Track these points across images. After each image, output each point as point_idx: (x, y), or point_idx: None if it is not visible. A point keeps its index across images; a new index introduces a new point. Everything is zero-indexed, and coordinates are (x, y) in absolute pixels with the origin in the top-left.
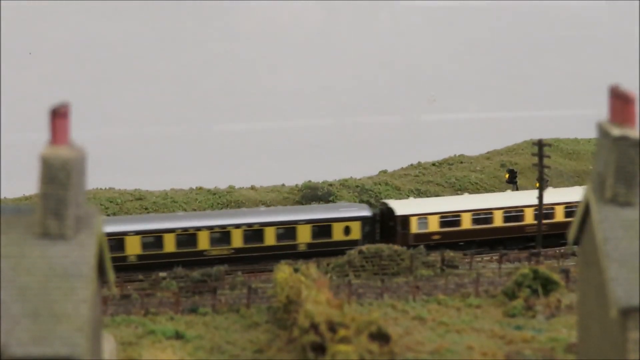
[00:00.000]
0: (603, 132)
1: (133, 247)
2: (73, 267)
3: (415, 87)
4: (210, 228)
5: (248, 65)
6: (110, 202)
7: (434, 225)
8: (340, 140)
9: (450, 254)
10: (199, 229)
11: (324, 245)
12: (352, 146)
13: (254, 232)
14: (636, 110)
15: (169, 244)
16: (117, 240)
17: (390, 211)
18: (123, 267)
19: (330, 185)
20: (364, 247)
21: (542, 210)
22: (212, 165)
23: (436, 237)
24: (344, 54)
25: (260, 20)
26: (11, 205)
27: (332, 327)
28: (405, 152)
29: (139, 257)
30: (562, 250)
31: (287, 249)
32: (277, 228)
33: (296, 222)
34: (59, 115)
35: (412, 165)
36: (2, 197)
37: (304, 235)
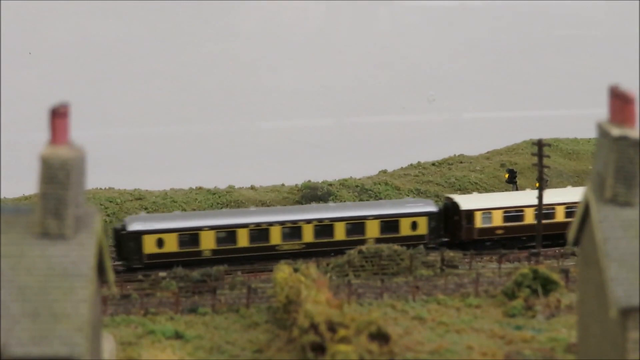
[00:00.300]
0: (603, 132)
1: (208, 242)
2: (73, 266)
3: (415, 87)
4: (282, 223)
5: (248, 65)
6: (110, 202)
7: (497, 220)
8: (340, 140)
9: (450, 253)
10: (271, 224)
11: (391, 240)
12: (351, 146)
13: (324, 227)
14: (636, 110)
15: (243, 239)
16: (192, 235)
17: (455, 206)
18: (198, 261)
19: (330, 185)
20: (363, 247)
21: (542, 210)
22: (211, 165)
23: (500, 231)
24: (344, 54)
25: (260, 20)
26: (11, 205)
27: (332, 327)
28: (405, 152)
29: (213, 251)
30: (561, 250)
31: (356, 243)
32: (347, 223)
33: (365, 218)
34: (58, 115)
35: (411, 165)
36: (2, 197)
37: (373, 231)
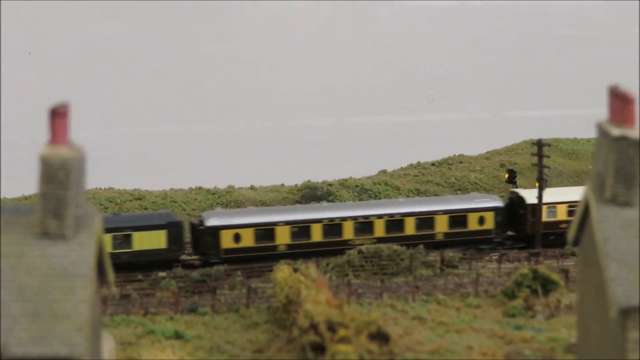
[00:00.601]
0: (603, 132)
1: (283, 237)
2: (72, 266)
3: (415, 87)
4: (354, 218)
5: (248, 65)
6: (110, 201)
7: (562, 213)
8: (340, 140)
9: (449, 253)
10: (344, 219)
11: (459, 235)
12: (351, 146)
13: (395, 222)
14: (636, 110)
15: (317, 234)
16: (268, 230)
17: (520, 200)
18: (273, 256)
19: (330, 185)
20: (363, 247)
21: (542, 210)
22: (211, 165)
23: (563, 225)
24: (344, 54)
25: (260, 20)
26: (11, 205)
27: (332, 327)
28: (405, 152)
29: (288, 246)
30: (561, 250)
31: (425, 238)
32: (417, 218)
33: (434, 213)
34: (58, 115)
35: (411, 165)
36: (2, 197)
37: (442, 225)
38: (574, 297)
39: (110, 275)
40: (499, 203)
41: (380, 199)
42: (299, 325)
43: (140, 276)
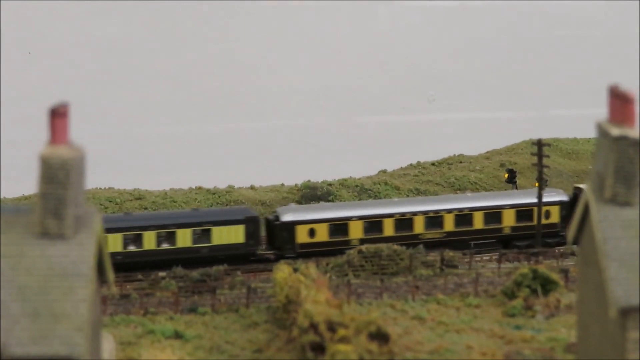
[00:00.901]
0: (602, 131)
1: (356, 232)
2: (72, 266)
3: (415, 87)
4: (425, 213)
5: (248, 65)
6: (110, 201)
7: None
8: (340, 140)
9: (449, 253)
10: (415, 213)
11: (526, 229)
12: (351, 146)
13: (464, 217)
14: (636, 110)
15: (388, 228)
16: (341, 225)
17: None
18: (346, 250)
19: (330, 185)
20: (363, 247)
21: (542, 210)
22: (211, 165)
23: None
24: (344, 53)
25: (260, 21)
26: (10, 205)
27: (332, 327)
28: (405, 152)
29: (361, 240)
30: (561, 250)
31: (493, 232)
32: (485, 212)
33: (502, 207)
34: (58, 115)
35: (411, 164)
36: (2, 197)
37: (509, 219)
38: (574, 297)
39: (110, 275)
40: (564, 197)
41: (380, 199)
42: (298, 325)
43: (140, 275)
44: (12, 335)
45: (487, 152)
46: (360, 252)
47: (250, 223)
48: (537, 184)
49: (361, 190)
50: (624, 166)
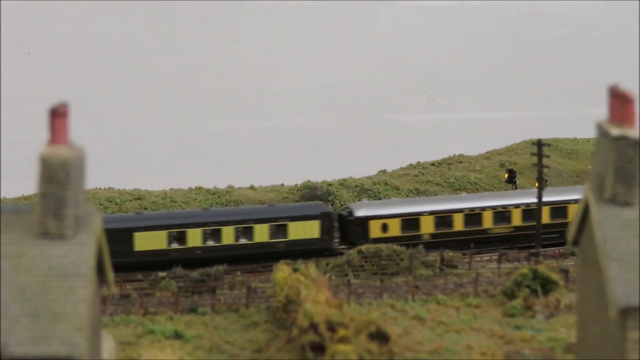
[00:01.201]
0: (602, 131)
1: (427, 226)
2: (72, 266)
3: (415, 87)
4: (493, 208)
5: (248, 65)
6: (110, 201)
7: None
8: (339, 140)
9: (449, 253)
10: (484, 209)
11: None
12: (351, 146)
13: (531, 212)
14: (636, 110)
15: (458, 223)
16: (413, 220)
17: None
18: (418, 245)
19: (330, 185)
20: (363, 247)
21: (541, 210)
22: (211, 165)
23: None
24: (344, 53)
25: (260, 21)
26: (11, 205)
27: (331, 327)
28: (405, 152)
29: (432, 235)
30: (561, 250)
31: (560, 227)
32: (551, 208)
33: (567, 202)
34: (58, 115)
35: (411, 165)
36: (2, 197)
37: (574, 214)
38: (574, 297)
39: (110, 275)
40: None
41: (380, 199)
42: (298, 325)
43: (139, 275)
44: (12, 335)
45: (487, 152)
46: (360, 252)
47: (325, 218)
48: (537, 184)
49: (361, 190)
50: (623, 166)
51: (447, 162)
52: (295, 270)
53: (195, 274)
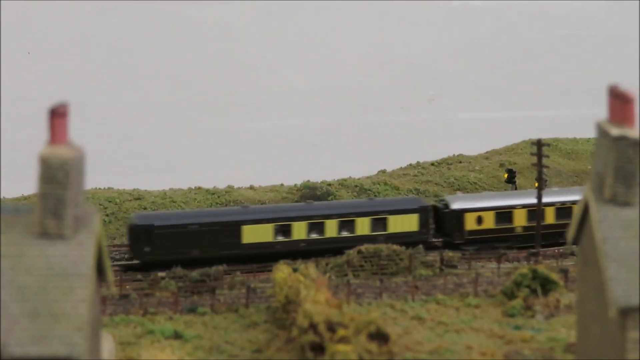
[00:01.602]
0: (602, 131)
1: (520, 220)
2: (72, 266)
3: (415, 87)
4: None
5: (248, 65)
6: (109, 201)
7: None
8: (339, 140)
9: (449, 254)
10: (574, 202)
11: None
12: (351, 146)
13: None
14: (635, 110)
15: (550, 216)
16: (506, 213)
17: None
18: (510, 237)
19: (329, 184)
20: (362, 247)
21: (541, 210)
22: (211, 165)
23: None
24: (344, 53)
25: (260, 20)
26: (11, 205)
27: (331, 327)
28: (404, 152)
29: (524, 228)
30: (561, 250)
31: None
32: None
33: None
34: (57, 115)
35: (411, 165)
36: (2, 197)
37: None
38: (574, 297)
39: (110, 275)
40: None
41: (380, 198)
42: (298, 325)
43: (139, 275)
44: (12, 335)
45: (487, 152)
46: (359, 252)
47: (423, 212)
48: (536, 184)
49: (360, 190)
50: (623, 166)
51: (446, 162)
52: (294, 270)
53: (194, 274)
